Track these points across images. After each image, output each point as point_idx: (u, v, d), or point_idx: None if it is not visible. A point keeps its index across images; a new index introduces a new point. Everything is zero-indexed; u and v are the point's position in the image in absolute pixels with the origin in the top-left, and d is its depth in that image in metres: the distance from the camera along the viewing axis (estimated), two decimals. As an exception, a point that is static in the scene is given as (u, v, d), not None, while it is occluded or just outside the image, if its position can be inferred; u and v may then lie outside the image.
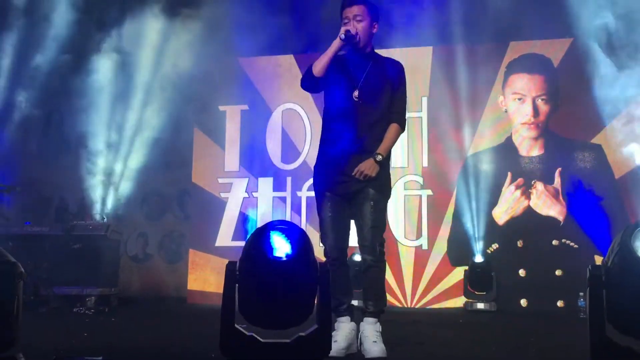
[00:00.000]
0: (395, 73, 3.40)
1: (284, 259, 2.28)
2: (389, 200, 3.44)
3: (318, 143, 3.48)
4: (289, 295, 2.36)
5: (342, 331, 3.21)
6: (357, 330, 3.29)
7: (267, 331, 2.48)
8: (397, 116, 3.38)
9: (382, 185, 3.33)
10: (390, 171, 3.47)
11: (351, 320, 3.28)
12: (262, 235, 2.31)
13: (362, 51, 3.39)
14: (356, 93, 3.32)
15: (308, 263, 2.34)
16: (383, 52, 3.63)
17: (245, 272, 2.38)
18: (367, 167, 3.24)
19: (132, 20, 7.01)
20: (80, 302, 5.81)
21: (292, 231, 2.32)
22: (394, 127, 3.36)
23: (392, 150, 3.43)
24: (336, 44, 3.28)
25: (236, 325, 2.43)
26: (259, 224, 3.30)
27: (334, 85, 3.38)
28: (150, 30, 7.04)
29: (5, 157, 7.05)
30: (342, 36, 3.25)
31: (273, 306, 2.40)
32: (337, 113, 3.36)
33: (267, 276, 2.34)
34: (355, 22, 3.32)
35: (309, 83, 3.36)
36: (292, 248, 2.28)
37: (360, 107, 3.32)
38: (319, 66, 3.29)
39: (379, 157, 3.26)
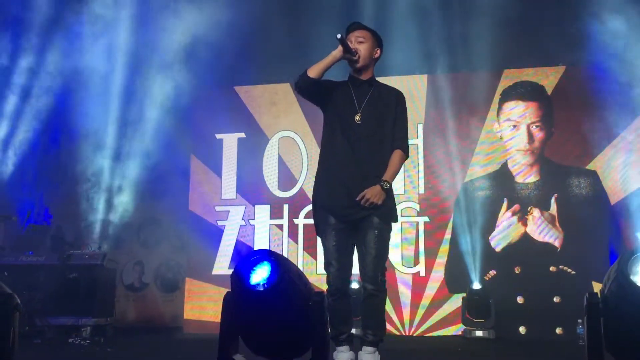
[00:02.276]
0: (396, 100, 3.41)
1: (261, 289, 2.25)
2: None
3: (315, 171, 3.47)
4: (275, 325, 2.33)
5: None
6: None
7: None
8: (400, 142, 3.36)
9: (387, 213, 3.29)
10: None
11: (350, 350, 3.25)
12: (241, 266, 2.29)
13: (364, 76, 3.40)
14: (358, 117, 3.31)
15: (290, 292, 2.29)
16: (379, 80, 3.65)
17: (233, 302, 2.37)
18: (374, 194, 3.20)
19: (129, 47, 7.09)
20: (76, 333, 5.76)
21: (270, 261, 2.28)
22: (397, 153, 3.34)
23: (390, 177, 3.40)
24: (335, 53, 3.29)
25: (234, 357, 2.41)
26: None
27: (336, 108, 3.38)
28: (147, 57, 7.10)
29: (1, 186, 7.05)
30: (338, 35, 3.23)
31: (264, 336, 2.38)
32: (339, 136, 3.34)
33: (248, 307, 2.33)
34: (357, 43, 3.34)
35: (302, 84, 3.32)
36: (270, 278, 2.25)
37: (363, 130, 3.30)
38: (315, 69, 3.28)
39: (386, 185, 3.23)
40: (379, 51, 3.44)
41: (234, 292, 2.33)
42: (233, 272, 2.36)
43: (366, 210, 3.22)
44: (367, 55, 3.37)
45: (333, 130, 3.39)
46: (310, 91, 3.37)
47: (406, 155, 3.39)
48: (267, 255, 2.30)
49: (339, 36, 3.25)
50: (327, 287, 3.29)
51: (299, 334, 2.37)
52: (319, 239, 3.43)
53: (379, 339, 3.26)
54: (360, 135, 3.30)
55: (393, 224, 3.40)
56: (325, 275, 3.33)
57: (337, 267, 3.25)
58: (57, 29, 6.88)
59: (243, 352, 2.60)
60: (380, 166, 3.29)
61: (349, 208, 3.25)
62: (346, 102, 3.37)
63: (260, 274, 2.26)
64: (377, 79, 3.52)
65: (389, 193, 3.28)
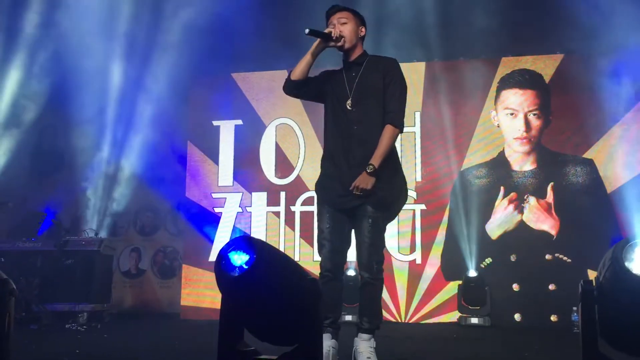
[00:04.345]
0: (385, 70, 3.28)
1: (236, 274, 2.24)
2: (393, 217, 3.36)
3: (312, 158, 3.46)
4: (259, 311, 2.32)
5: None
6: (351, 346, 3.26)
7: (274, 348, 2.45)
8: (390, 116, 3.21)
9: (380, 201, 3.18)
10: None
11: (333, 338, 3.20)
12: (220, 253, 2.29)
13: (353, 57, 3.33)
14: (349, 102, 3.25)
15: (268, 277, 2.26)
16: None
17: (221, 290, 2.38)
18: (361, 181, 3.12)
19: (126, 33, 7.05)
20: (72, 319, 5.77)
21: (248, 247, 2.26)
22: (387, 129, 3.19)
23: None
24: (313, 48, 3.25)
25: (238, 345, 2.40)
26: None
27: (331, 97, 3.34)
28: (144, 44, 7.06)
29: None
30: (306, 30, 3.17)
31: (253, 322, 2.38)
32: (334, 126, 3.31)
33: (228, 294, 2.33)
34: (340, 25, 3.28)
35: (288, 86, 3.36)
36: (245, 264, 2.24)
37: (355, 116, 3.23)
38: (296, 70, 3.30)
39: (370, 168, 3.11)
40: (363, 29, 3.38)
41: (216, 280, 2.33)
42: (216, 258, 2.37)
43: (360, 199, 3.17)
44: (353, 35, 3.30)
45: (327, 119, 3.38)
46: (298, 92, 3.38)
47: (399, 129, 3.22)
48: (242, 242, 2.28)
49: (307, 31, 3.18)
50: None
51: (291, 320, 2.36)
52: (315, 227, 3.42)
53: (374, 327, 3.26)
54: (353, 121, 3.24)
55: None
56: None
57: (329, 249, 3.23)
58: (54, 9, 6.82)
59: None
60: (371, 150, 3.18)
61: (343, 197, 3.22)
62: (339, 89, 3.32)
63: (234, 261, 2.25)
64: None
65: (381, 178, 3.15)
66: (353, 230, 3.32)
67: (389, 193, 3.23)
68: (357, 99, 3.26)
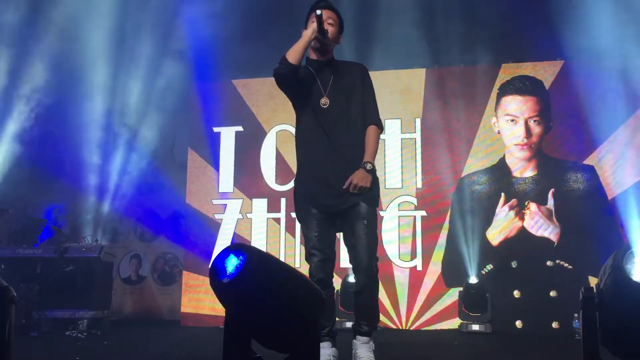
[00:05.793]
0: (360, 73, 3.33)
1: (226, 281, 2.24)
2: (383, 221, 3.36)
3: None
4: (255, 318, 2.32)
5: (322, 358, 3.06)
6: (347, 352, 3.24)
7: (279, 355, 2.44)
8: (372, 117, 3.28)
9: (373, 197, 3.21)
10: (385, 191, 3.39)
11: (333, 346, 3.19)
12: (212, 262, 2.30)
13: (325, 58, 3.32)
14: (325, 100, 3.24)
15: (256, 283, 2.26)
16: (377, 74, 3.60)
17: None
18: (360, 178, 3.11)
19: (127, 39, 7.06)
20: (73, 325, 5.76)
21: (237, 254, 2.26)
22: (372, 129, 3.25)
23: (387, 171, 3.37)
24: (309, 33, 3.18)
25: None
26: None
27: (304, 95, 3.30)
28: (145, 50, 7.08)
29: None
30: (318, 12, 3.12)
31: (258, 329, 2.38)
32: (310, 125, 3.27)
33: (222, 299, 2.33)
34: (327, 24, 3.25)
35: (284, 71, 3.19)
36: (235, 270, 2.24)
37: (332, 114, 3.22)
38: (294, 54, 3.17)
39: (369, 167, 3.14)
40: (341, 37, 3.39)
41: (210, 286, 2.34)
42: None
43: (352, 199, 3.14)
44: (334, 39, 3.31)
45: (304, 119, 3.32)
46: (290, 79, 3.24)
47: (381, 129, 3.30)
48: (232, 249, 2.28)
49: (319, 12, 3.14)
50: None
51: (290, 327, 2.34)
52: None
53: (373, 329, 3.24)
54: (330, 120, 3.22)
55: (386, 217, 3.36)
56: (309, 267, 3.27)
57: (321, 258, 3.21)
58: (52, 16, 6.83)
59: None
60: (357, 148, 3.21)
61: (331, 199, 3.18)
62: (312, 88, 3.29)
63: (225, 267, 2.25)
64: (376, 73, 3.46)
65: (374, 174, 3.20)
66: (340, 234, 3.30)
67: (376, 187, 3.28)
68: (334, 98, 3.25)
